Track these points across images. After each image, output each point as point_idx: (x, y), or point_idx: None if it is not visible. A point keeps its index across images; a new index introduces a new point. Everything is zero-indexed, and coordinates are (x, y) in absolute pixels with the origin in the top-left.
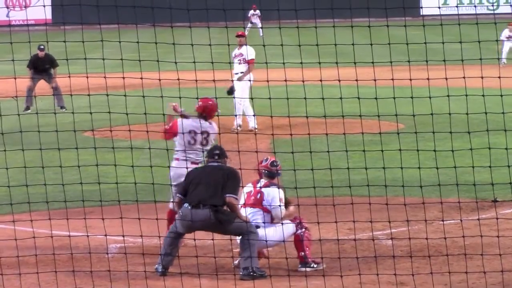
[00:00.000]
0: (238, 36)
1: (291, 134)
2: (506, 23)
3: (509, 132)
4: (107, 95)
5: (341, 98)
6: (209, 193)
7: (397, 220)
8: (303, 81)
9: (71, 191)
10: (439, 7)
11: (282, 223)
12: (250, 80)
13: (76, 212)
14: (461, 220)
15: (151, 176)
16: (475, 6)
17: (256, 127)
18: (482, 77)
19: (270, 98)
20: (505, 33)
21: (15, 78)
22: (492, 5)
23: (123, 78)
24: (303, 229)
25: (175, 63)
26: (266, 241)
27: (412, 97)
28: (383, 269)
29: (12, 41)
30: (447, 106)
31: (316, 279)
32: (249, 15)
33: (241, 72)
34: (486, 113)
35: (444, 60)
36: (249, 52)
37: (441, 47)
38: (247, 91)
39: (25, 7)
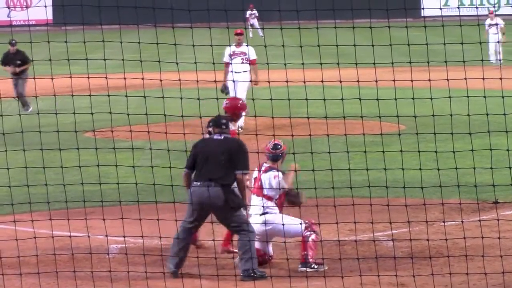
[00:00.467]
0: (237, 34)
1: (292, 135)
2: (506, 23)
3: (510, 134)
4: (108, 95)
5: (342, 99)
6: (220, 172)
7: (398, 221)
8: (304, 82)
9: (72, 192)
10: (440, 8)
11: (292, 219)
12: (250, 81)
13: (77, 212)
14: (462, 222)
15: (152, 177)
16: (476, 7)
17: (242, 126)
18: (483, 79)
19: (271, 99)
20: (488, 21)
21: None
22: (494, 6)
23: (124, 78)
24: (311, 232)
25: (176, 63)
26: (267, 241)
27: (413, 98)
28: (384, 270)
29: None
30: (449, 107)
31: (317, 280)
32: (247, 15)
33: (244, 71)
34: (487, 114)
35: (445, 61)
36: (252, 51)
37: (443, 48)
38: (246, 91)
39: (26, 7)
